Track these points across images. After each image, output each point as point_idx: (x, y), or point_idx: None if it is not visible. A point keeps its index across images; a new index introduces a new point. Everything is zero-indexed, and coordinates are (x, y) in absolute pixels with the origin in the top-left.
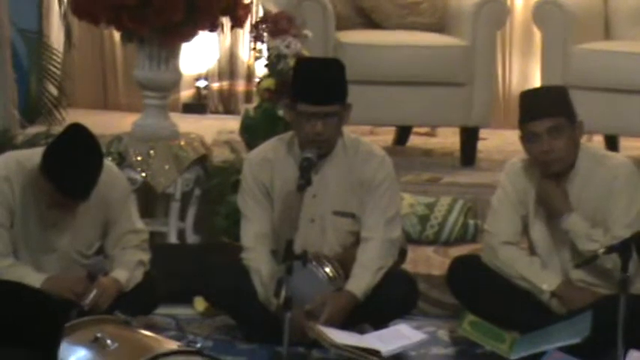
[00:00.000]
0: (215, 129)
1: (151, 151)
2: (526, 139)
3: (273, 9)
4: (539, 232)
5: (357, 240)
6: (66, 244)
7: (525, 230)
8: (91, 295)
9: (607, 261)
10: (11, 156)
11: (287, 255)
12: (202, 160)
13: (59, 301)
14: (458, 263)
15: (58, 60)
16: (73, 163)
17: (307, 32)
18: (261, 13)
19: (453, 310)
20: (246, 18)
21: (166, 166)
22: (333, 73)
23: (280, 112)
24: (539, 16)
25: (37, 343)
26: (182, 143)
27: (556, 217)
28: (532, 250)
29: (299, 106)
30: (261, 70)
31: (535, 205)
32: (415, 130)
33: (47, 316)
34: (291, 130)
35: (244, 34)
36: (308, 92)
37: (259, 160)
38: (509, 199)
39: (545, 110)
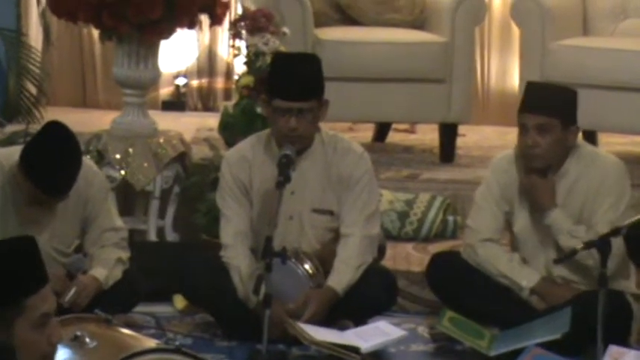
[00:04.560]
0: (194, 126)
1: (130, 149)
2: (519, 128)
3: (252, 6)
4: (523, 227)
5: (335, 236)
6: (45, 242)
7: (508, 226)
8: (70, 293)
9: (587, 258)
10: None
11: (266, 252)
12: (181, 158)
13: None
14: (437, 260)
15: (37, 58)
16: (52, 160)
17: (286, 29)
18: (239, 11)
19: (432, 306)
20: (224, 15)
21: (145, 164)
22: (308, 69)
23: (259, 110)
24: (517, 12)
25: None
26: (161, 141)
27: (540, 211)
28: (514, 247)
29: (274, 101)
30: (240, 67)
31: (519, 201)
32: (394, 126)
33: None
34: (269, 127)
35: (223, 31)
36: (283, 88)
37: (237, 159)
38: (493, 195)
39: (540, 107)
